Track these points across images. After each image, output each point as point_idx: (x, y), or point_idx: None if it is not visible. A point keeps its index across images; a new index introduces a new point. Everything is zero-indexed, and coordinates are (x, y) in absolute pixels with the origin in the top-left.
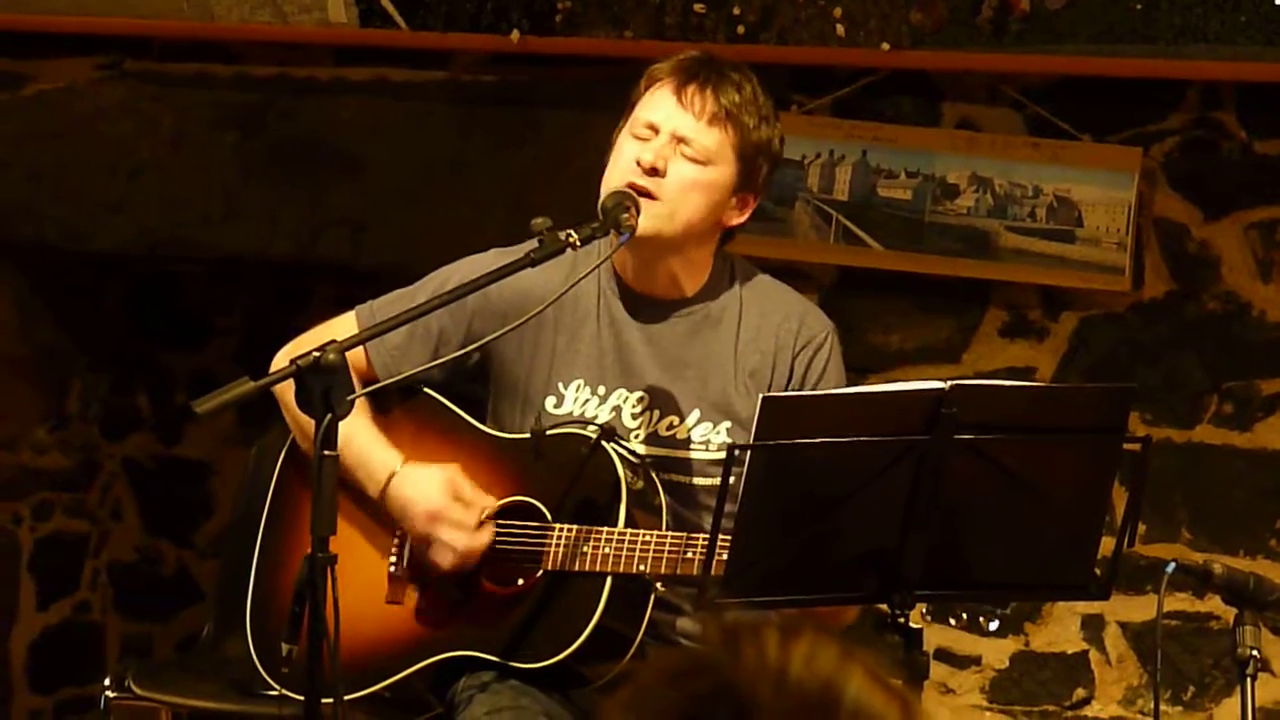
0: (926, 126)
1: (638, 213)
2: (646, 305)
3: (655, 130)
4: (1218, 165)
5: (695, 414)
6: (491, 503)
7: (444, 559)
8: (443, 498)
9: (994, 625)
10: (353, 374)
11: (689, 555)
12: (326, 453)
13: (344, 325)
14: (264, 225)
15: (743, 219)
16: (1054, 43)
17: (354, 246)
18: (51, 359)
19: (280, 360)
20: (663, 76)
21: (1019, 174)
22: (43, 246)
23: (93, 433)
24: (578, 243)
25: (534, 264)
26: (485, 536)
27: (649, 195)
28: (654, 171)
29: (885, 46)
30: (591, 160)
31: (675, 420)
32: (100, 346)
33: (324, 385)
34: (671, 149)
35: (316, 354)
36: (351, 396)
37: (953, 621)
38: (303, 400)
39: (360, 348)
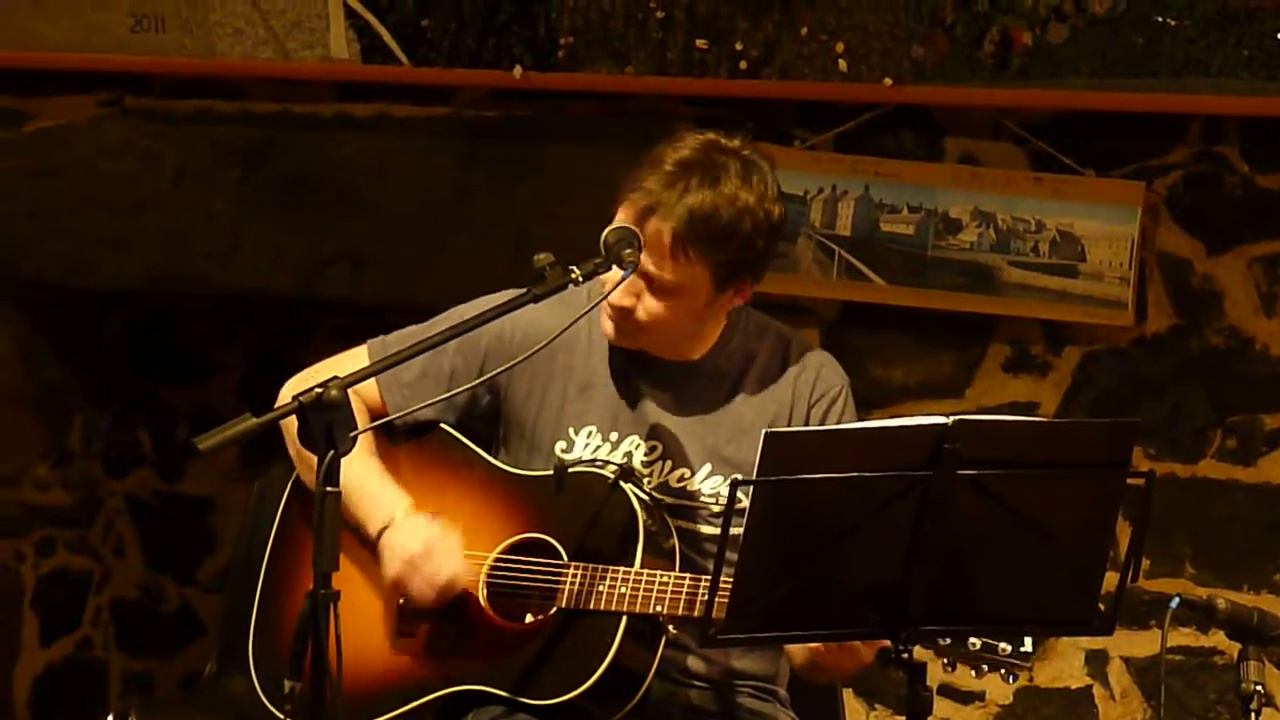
0: (929, 161)
1: (639, 249)
2: (657, 364)
3: None
4: (1221, 199)
5: (707, 467)
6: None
7: (426, 592)
8: (432, 536)
9: (1012, 677)
10: (366, 410)
11: (705, 597)
12: (329, 489)
13: (356, 359)
14: (266, 261)
15: (745, 298)
16: (1056, 77)
17: (356, 282)
18: (53, 395)
19: (288, 392)
20: (635, 190)
21: (1021, 209)
22: (44, 283)
23: (95, 469)
24: (580, 278)
25: (537, 299)
26: (463, 580)
27: (628, 326)
28: (627, 311)
29: (888, 82)
30: (594, 195)
31: (686, 473)
32: (102, 383)
33: (326, 422)
34: (640, 283)
35: (319, 390)
36: (354, 433)
37: (974, 674)
38: (305, 436)
39: (374, 385)
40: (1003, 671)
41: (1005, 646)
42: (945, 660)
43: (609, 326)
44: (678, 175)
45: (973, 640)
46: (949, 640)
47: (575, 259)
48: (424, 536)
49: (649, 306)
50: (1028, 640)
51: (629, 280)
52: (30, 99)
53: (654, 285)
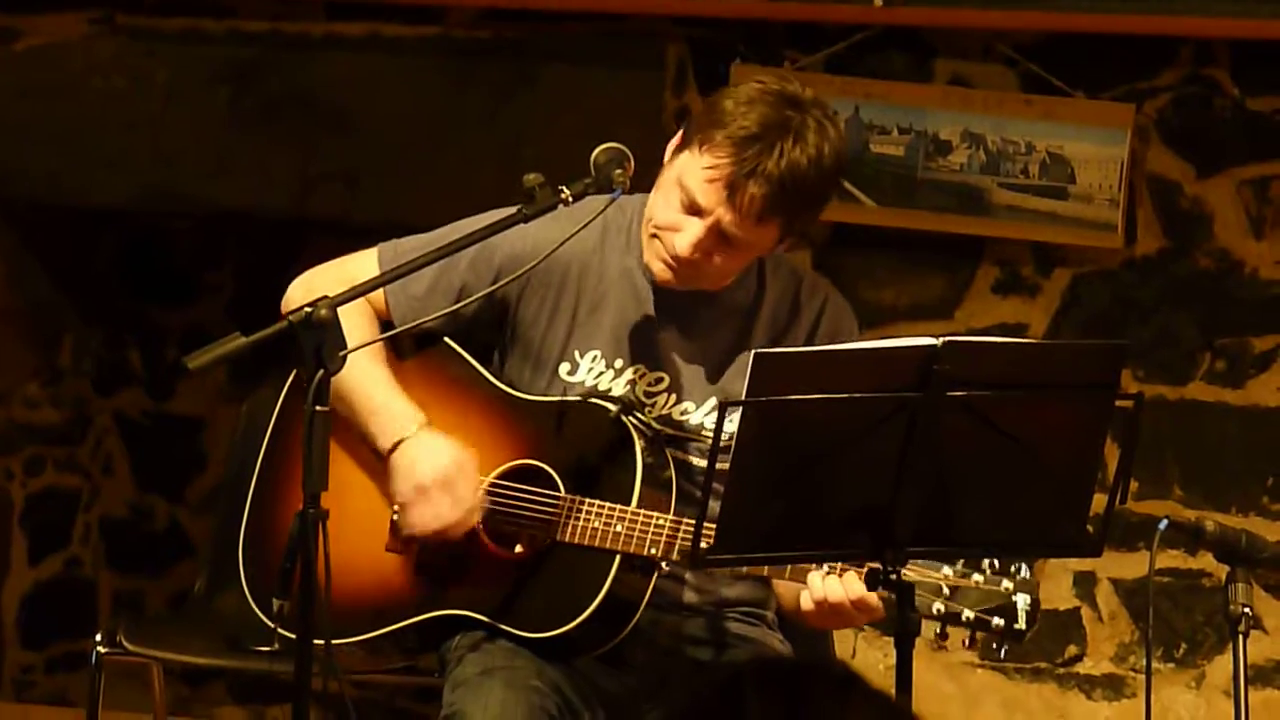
0: (919, 83)
1: (632, 167)
2: (672, 293)
3: (699, 211)
4: (1211, 122)
5: (711, 401)
6: (482, 499)
7: (429, 524)
8: (452, 470)
9: (1004, 651)
10: (373, 315)
11: (702, 545)
12: (318, 408)
13: (365, 261)
14: (256, 180)
15: (788, 247)
16: None
17: (347, 202)
18: (43, 314)
19: (296, 291)
20: (722, 150)
21: (1012, 130)
22: (35, 202)
23: (84, 388)
24: (570, 198)
25: (526, 220)
26: (475, 518)
27: (687, 273)
28: (691, 261)
29: (878, 3)
30: (585, 115)
31: (691, 406)
32: (92, 302)
33: (316, 340)
34: (712, 239)
35: (309, 309)
36: (343, 352)
37: (965, 645)
38: (295, 355)
39: (381, 292)
40: (995, 645)
41: (999, 622)
42: (936, 631)
43: (665, 272)
44: (769, 137)
45: (968, 614)
46: (943, 609)
47: (565, 179)
48: (443, 464)
49: (718, 262)
50: (1022, 616)
51: (703, 237)
52: (20, 16)
53: (728, 241)
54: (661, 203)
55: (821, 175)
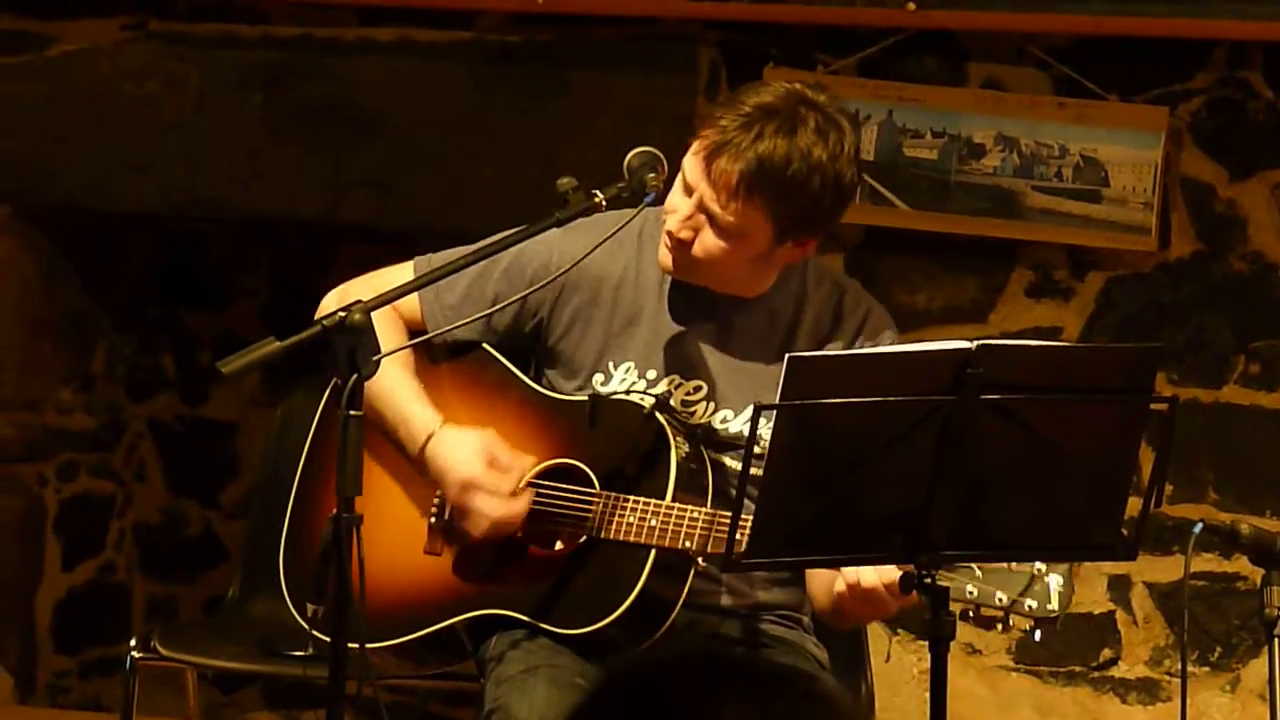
0: (952, 86)
1: (665, 170)
2: (708, 300)
3: (689, 191)
4: (1244, 125)
5: (749, 410)
6: (529, 464)
7: (478, 527)
8: (477, 464)
9: (1038, 635)
10: (406, 328)
11: (737, 537)
12: (352, 413)
13: (400, 274)
14: (289, 186)
15: (807, 253)
16: (1080, 2)
17: (379, 207)
18: (77, 320)
19: (330, 302)
20: (709, 128)
21: (1045, 133)
22: (68, 208)
23: (118, 394)
24: (603, 203)
25: (560, 224)
26: (521, 504)
27: (685, 260)
28: (684, 243)
29: (911, 6)
30: (618, 120)
31: (730, 414)
32: (125, 307)
33: (350, 345)
34: (701, 218)
35: (342, 314)
36: (377, 357)
37: (1000, 629)
38: (329, 360)
39: (417, 303)
40: (1028, 629)
41: (1032, 604)
42: (970, 614)
43: (666, 258)
44: (755, 119)
45: (1001, 596)
46: (976, 592)
47: (599, 183)
48: (467, 466)
49: (706, 244)
50: (1055, 598)
51: (690, 214)
52: (53, 22)
53: (714, 223)
54: (673, 189)
55: (809, 170)
